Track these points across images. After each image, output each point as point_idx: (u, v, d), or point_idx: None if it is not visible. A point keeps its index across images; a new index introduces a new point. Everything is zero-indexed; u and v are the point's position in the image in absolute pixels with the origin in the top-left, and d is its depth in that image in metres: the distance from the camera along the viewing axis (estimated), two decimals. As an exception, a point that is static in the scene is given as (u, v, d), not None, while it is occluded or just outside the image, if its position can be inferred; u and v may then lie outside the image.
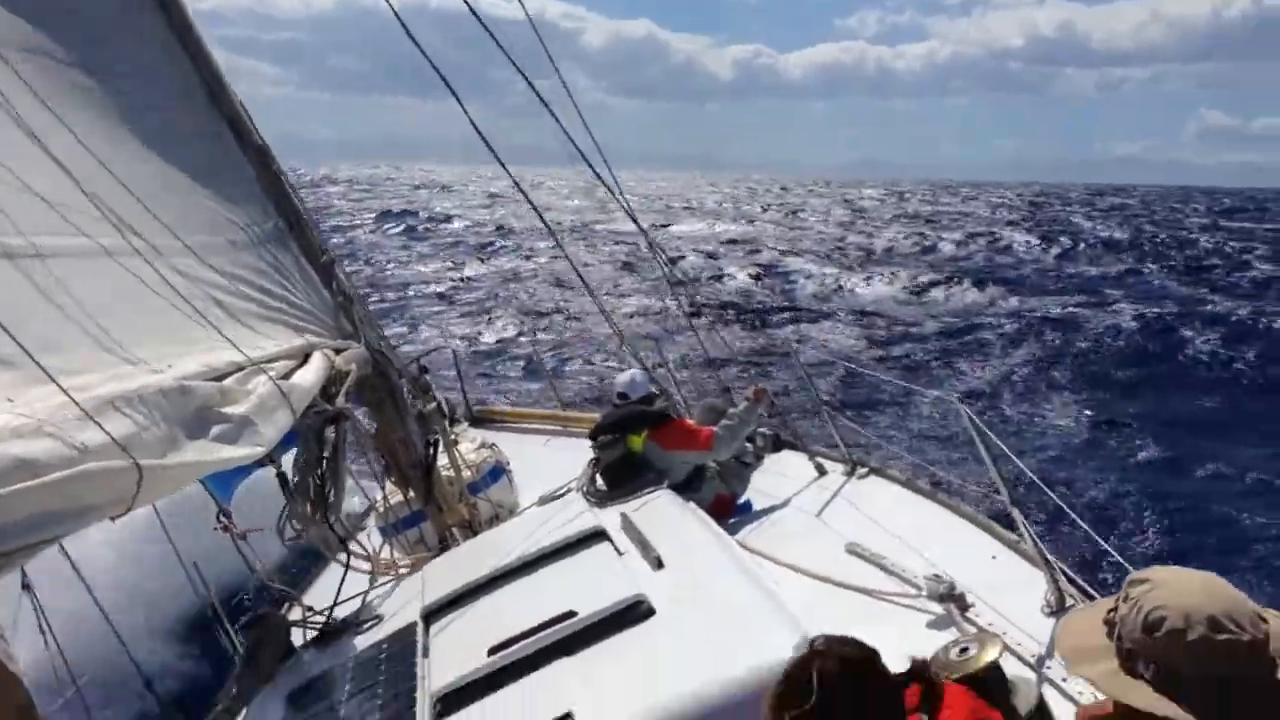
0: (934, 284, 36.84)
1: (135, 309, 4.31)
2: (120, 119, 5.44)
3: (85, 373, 3.39)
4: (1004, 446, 4.75)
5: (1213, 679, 1.80)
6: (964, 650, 3.42)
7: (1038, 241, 53.08)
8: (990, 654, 3.36)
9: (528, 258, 45.73)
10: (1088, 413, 18.44)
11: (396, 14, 6.97)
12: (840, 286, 37.13)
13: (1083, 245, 51.38)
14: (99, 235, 4.43)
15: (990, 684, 3.28)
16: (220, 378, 4.02)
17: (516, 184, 8.46)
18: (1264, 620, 1.85)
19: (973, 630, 4.11)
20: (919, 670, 3.13)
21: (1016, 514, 4.49)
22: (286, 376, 4.64)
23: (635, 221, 8.64)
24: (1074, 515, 4.21)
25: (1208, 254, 46.82)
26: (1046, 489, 4.71)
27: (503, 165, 8.06)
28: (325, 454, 5.51)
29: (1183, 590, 1.88)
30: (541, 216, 8.89)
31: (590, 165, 8.08)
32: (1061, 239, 53.70)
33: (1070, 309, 30.04)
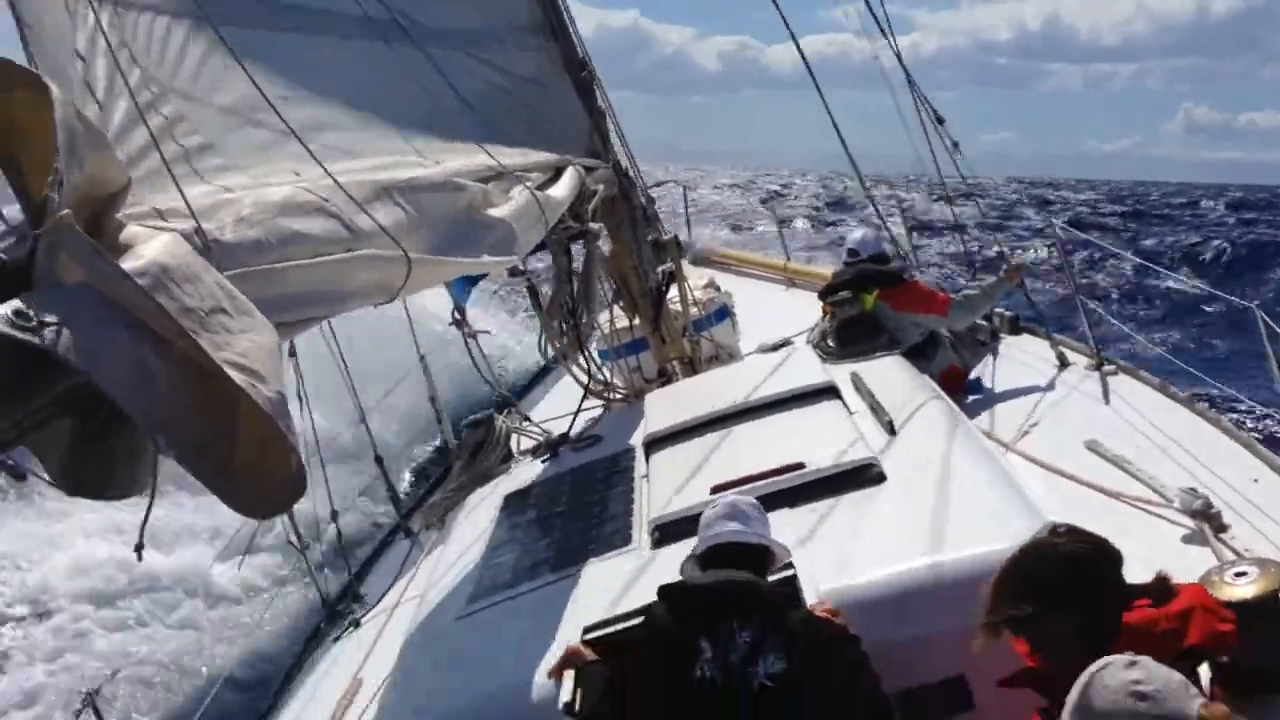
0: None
1: (407, 103, 4.35)
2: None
3: (364, 156, 3.44)
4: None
5: None
6: (1240, 574, 3.13)
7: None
8: (1270, 583, 3.05)
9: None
10: None
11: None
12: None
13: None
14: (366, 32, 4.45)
15: (1261, 615, 3.00)
16: (484, 181, 4.02)
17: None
18: None
19: (1230, 554, 3.79)
20: (1160, 587, 2.93)
21: None
22: (541, 188, 4.62)
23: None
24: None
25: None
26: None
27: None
28: (574, 270, 5.52)
29: None
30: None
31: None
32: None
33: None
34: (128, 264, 1.75)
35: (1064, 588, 2.77)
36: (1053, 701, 2.62)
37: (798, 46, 7.20)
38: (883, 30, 7.62)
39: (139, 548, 2.13)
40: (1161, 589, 2.93)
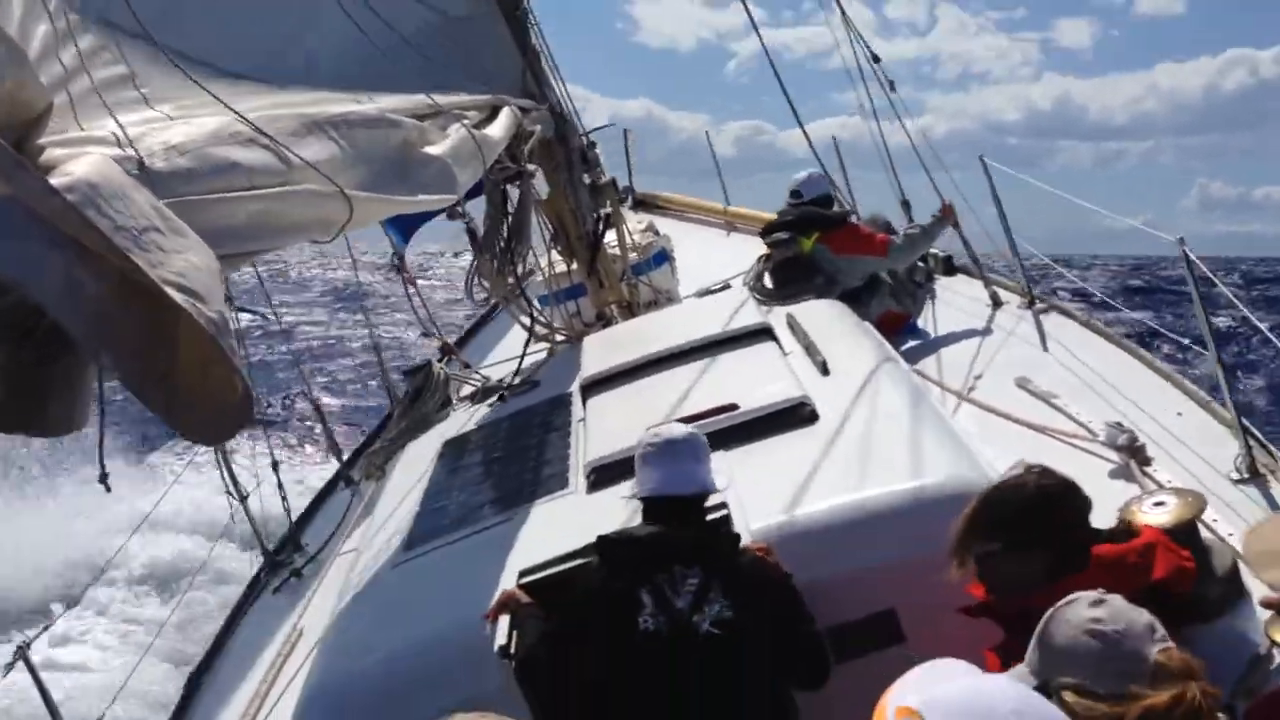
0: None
1: (341, 42, 4.25)
2: None
3: (295, 92, 3.35)
4: (1230, 294, 4.35)
5: None
6: (1159, 504, 3.23)
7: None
8: (1187, 513, 3.15)
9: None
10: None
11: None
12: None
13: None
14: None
15: (1180, 542, 3.10)
16: (419, 118, 3.94)
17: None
18: None
19: (1153, 486, 3.91)
20: (1122, 531, 3.02)
21: (1219, 371, 4.17)
22: (478, 128, 4.55)
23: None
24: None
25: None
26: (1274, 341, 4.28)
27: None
28: (509, 211, 5.48)
29: None
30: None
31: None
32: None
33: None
34: (55, 180, 1.69)
35: (1035, 522, 2.82)
36: (1013, 635, 2.61)
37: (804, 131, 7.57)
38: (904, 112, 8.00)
39: (103, 478, 2.07)
40: (1126, 534, 3.00)
